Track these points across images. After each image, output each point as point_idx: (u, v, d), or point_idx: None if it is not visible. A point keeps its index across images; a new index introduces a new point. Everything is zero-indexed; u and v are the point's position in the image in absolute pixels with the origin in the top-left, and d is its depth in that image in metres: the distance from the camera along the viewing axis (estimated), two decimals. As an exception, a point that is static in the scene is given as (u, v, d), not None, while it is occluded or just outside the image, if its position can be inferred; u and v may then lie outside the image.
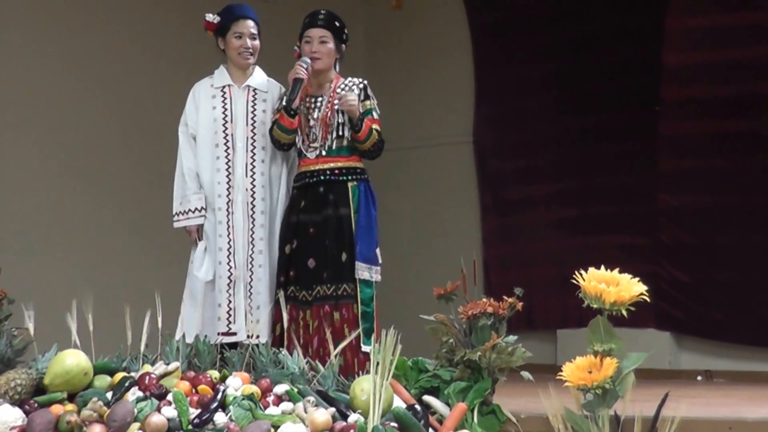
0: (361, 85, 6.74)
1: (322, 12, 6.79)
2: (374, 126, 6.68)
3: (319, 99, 6.76)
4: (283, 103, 6.66)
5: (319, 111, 6.72)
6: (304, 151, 6.71)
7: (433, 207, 11.43)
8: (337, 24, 6.76)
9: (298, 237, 6.71)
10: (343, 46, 6.81)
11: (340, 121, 6.66)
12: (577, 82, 10.59)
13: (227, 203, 6.67)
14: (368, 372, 5.51)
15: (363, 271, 6.59)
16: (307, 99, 6.77)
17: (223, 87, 6.79)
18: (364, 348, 6.40)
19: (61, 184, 9.66)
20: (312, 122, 6.71)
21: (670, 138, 9.94)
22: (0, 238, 9.06)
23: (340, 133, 6.67)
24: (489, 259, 10.93)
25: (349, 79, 6.80)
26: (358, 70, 7.27)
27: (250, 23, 6.77)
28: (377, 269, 6.65)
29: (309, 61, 6.67)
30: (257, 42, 6.79)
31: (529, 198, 10.91)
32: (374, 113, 6.72)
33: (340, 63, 6.87)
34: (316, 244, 6.65)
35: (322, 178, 6.68)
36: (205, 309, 6.68)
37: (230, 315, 6.60)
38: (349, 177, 6.68)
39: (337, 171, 6.67)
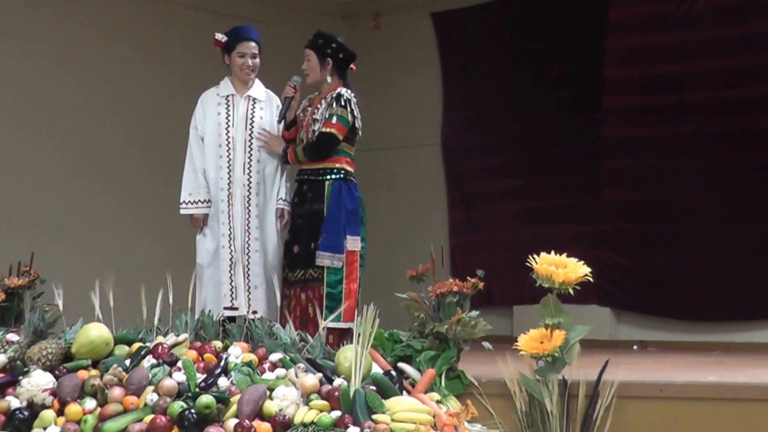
0: (335, 95, 6.64)
1: (313, 34, 6.81)
2: (324, 129, 6.58)
3: (308, 109, 6.78)
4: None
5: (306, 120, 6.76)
6: None
7: (407, 201, 11.42)
8: (320, 42, 6.75)
9: (291, 227, 6.82)
10: (329, 59, 6.74)
11: (313, 129, 6.65)
12: (530, 92, 10.60)
13: (227, 196, 6.69)
14: (349, 342, 5.54)
15: (324, 259, 6.56)
16: (309, 109, 6.78)
17: (228, 96, 6.81)
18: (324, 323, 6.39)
19: (86, 183, 9.70)
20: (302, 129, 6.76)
21: (610, 141, 9.97)
22: (33, 227, 9.09)
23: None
24: (455, 245, 10.93)
25: (330, 92, 6.72)
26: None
27: (252, 44, 6.78)
28: (340, 257, 6.57)
29: (299, 79, 6.73)
30: (257, 60, 6.80)
31: (490, 193, 10.91)
32: (334, 118, 6.59)
33: (333, 74, 6.76)
34: (301, 233, 6.71)
35: (305, 177, 6.73)
36: (208, 289, 6.72)
37: (233, 292, 6.64)
38: (327, 176, 6.67)
39: (316, 171, 6.68)
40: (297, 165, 6.79)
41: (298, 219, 6.75)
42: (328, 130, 6.60)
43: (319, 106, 6.69)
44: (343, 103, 6.63)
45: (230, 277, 6.66)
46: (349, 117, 6.65)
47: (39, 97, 9.53)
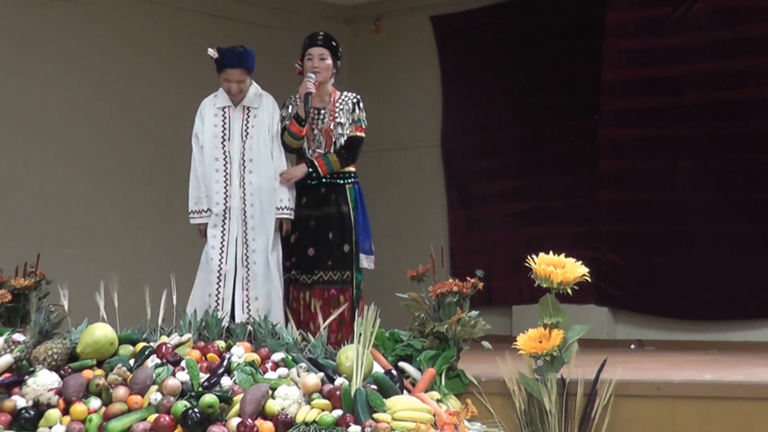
0: (355, 99, 6.75)
1: (321, 33, 6.79)
2: (358, 133, 6.70)
3: (322, 111, 6.73)
4: (293, 113, 6.67)
5: (323, 122, 6.71)
6: (310, 156, 6.72)
7: (407, 201, 11.41)
8: (333, 44, 6.76)
9: (300, 229, 6.71)
10: (339, 62, 6.80)
11: (339, 132, 6.68)
12: (529, 94, 10.60)
13: (224, 210, 6.61)
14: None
15: (364, 262, 6.67)
16: (312, 111, 6.70)
17: (224, 107, 6.70)
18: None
19: (91, 185, 9.74)
20: (316, 132, 6.71)
21: (607, 143, 9.96)
22: (40, 230, 9.12)
23: (341, 141, 6.69)
24: (454, 245, 10.93)
25: (345, 93, 6.79)
26: (343, 84, 7.26)
27: (237, 72, 6.64)
28: (373, 258, 6.73)
29: (313, 76, 6.66)
30: (244, 84, 6.64)
31: (488, 194, 10.91)
32: (362, 123, 6.73)
33: (335, 77, 6.85)
34: (317, 235, 6.68)
35: (323, 180, 6.68)
36: (196, 291, 6.67)
37: (218, 304, 6.53)
38: (347, 180, 6.72)
39: (336, 175, 6.68)
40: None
41: (311, 221, 6.70)
42: (360, 134, 6.72)
43: (335, 109, 6.71)
44: (362, 107, 6.75)
45: (217, 289, 6.57)
46: (366, 121, 6.76)
47: (45, 101, 9.55)
